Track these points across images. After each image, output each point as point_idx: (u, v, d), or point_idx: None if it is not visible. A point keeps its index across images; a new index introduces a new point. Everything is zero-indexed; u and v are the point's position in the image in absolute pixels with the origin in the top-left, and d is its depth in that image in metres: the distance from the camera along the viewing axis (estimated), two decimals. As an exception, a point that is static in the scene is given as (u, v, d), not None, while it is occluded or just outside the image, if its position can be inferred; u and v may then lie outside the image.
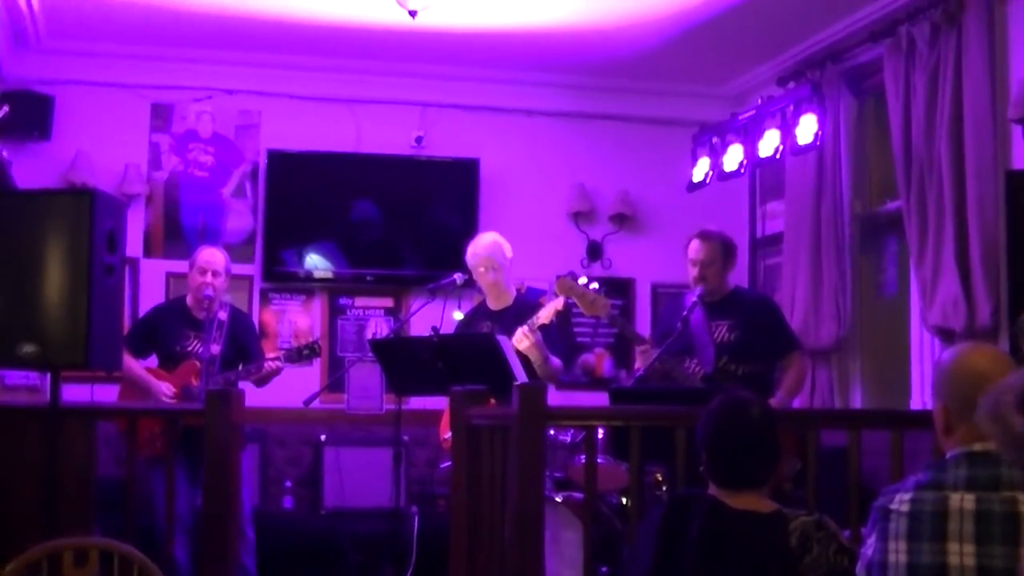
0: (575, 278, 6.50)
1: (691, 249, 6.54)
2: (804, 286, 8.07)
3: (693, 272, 6.50)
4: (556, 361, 6.65)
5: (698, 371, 6.36)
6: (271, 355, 7.50)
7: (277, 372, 7.23)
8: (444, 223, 9.13)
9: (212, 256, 7.19)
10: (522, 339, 6.40)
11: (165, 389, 7.02)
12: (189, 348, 7.15)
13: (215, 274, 7.10)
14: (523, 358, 6.30)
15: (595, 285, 6.49)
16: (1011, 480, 2.94)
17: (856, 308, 8.01)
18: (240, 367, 7.13)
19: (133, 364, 7.02)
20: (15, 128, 8.24)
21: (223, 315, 7.12)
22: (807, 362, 7.51)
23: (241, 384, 7.00)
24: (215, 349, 7.00)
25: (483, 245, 6.91)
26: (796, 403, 7.29)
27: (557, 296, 6.52)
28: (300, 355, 7.33)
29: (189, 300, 7.26)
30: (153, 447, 6.69)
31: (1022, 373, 0.88)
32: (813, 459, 4.87)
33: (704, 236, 6.56)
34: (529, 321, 6.43)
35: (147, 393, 7.03)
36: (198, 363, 7.04)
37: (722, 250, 6.55)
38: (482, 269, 6.85)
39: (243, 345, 7.23)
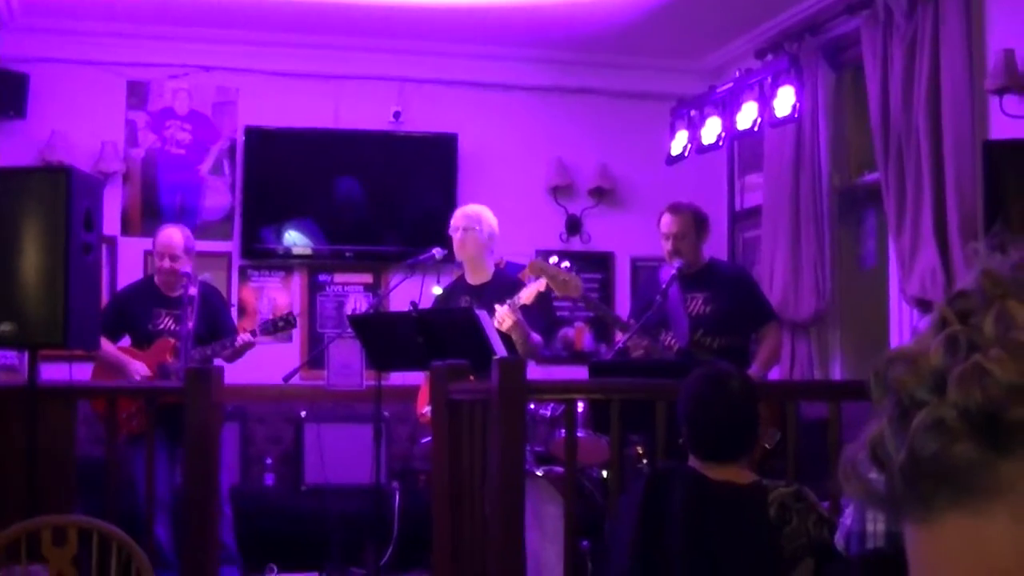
0: (547, 259, 6.51)
1: (663, 223, 6.56)
2: (783, 259, 8.08)
3: (667, 246, 6.52)
4: (536, 337, 6.66)
5: (673, 345, 6.37)
6: (246, 329, 7.49)
7: (251, 345, 7.22)
8: (423, 198, 9.12)
9: (169, 239, 7.16)
10: (504, 319, 6.40)
11: (140, 368, 7.00)
12: (161, 326, 7.13)
13: (173, 258, 7.09)
14: (504, 335, 6.31)
15: (566, 264, 6.47)
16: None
17: (835, 280, 8.02)
18: (214, 342, 7.12)
19: (107, 345, 6.99)
20: (-10, 106, 8.21)
21: (193, 290, 7.09)
22: (783, 333, 7.53)
23: (217, 361, 6.99)
24: (189, 325, 6.98)
25: (462, 211, 6.98)
26: (776, 374, 7.33)
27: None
28: (276, 327, 7.32)
29: (157, 279, 7.24)
30: (130, 426, 6.68)
31: (872, 426, 0.87)
32: (793, 431, 4.89)
33: (675, 209, 6.58)
34: (510, 301, 6.43)
35: (122, 373, 7.01)
36: (172, 340, 7.02)
37: (694, 222, 6.57)
38: (461, 225, 6.83)
39: (215, 320, 7.22)
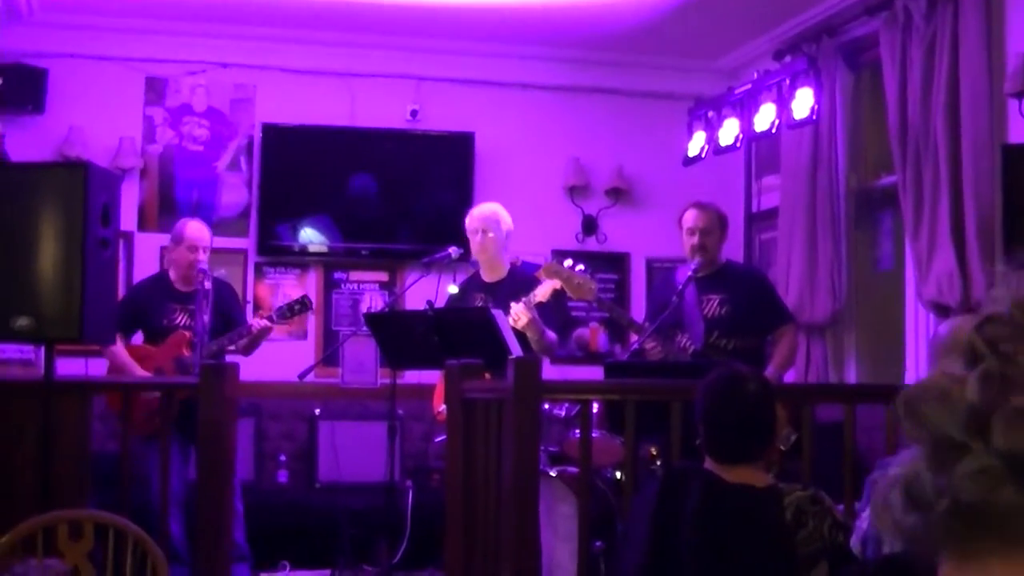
0: (561, 262, 6.51)
1: (688, 218, 6.54)
2: (799, 261, 8.06)
3: (692, 241, 6.49)
4: (551, 335, 6.66)
5: (688, 347, 6.36)
6: (262, 314, 7.49)
7: (267, 331, 7.20)
8: (439, 197, 9.12)
9: (201, 232, 7.17)
10: (519, 316, 6.40)
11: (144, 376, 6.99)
12: (176, 320, 7.13)
13: (205, 250, 7.10)
14: (519, 333, 6.31)
15: (581, 267, 6.47)
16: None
17: (851, 282, 8.00)
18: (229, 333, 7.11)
19: (120, 352, 6.98)
20: (9, 102, 8.23)
21: (207, 284, 7.09)
22: (799, 335, 7.52)
23: (233, 356, 6.98)
24: (206, 319, 6.97)
25: (479, 211, 6.95)
26: (791, 377, 7.31)
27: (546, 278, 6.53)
28: (292, 311, 7.29)
29: (172, 274, 7.24)
30: (147, 426, 6.67)
31: (904, 456, 0.86)
32: (808, 434, 4.88)
33: (701, 205, 6.59)
34: (526, 299, 6.42)
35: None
36: (188, 333, 7.02)
37: (719, 220, 6.58)
38: (476, 230, 6.83)
39: (228, 314, 7.20)
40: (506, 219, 6.91)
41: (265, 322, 7.11)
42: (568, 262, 6.51)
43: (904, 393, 0.89)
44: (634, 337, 6.49)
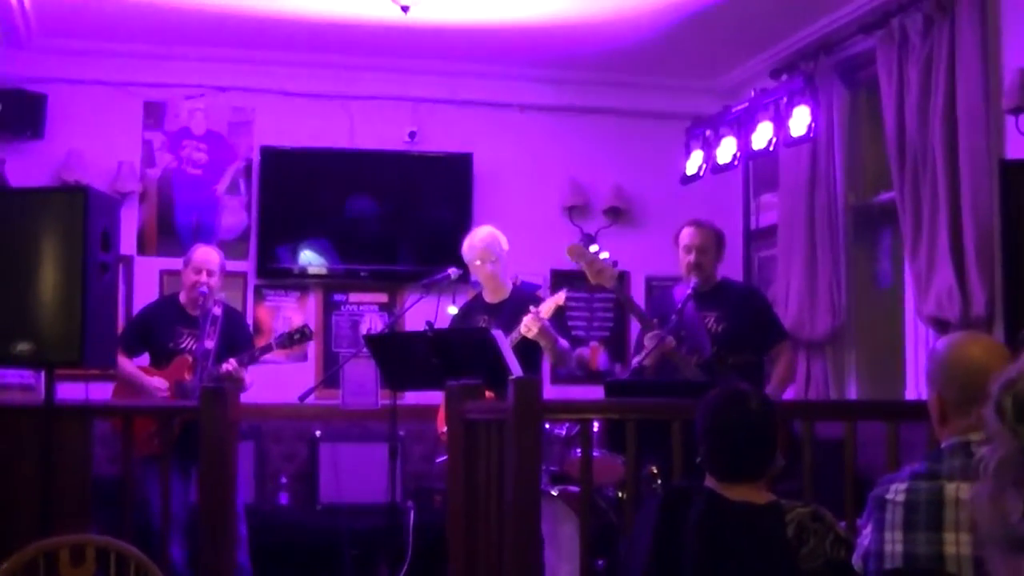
0: (587, 244, 6.56)
1: (685, 236, 6.57)
2: (799, 278, 8.07)
3: (688, 259, 6.53)
4: (564, 342, 6.70)
5: (694, 356, 6.36)
6: (262, 343, 7.50)
7: (270, 349, 7.23)
8: (438, 218, 9.12)
9: (207, 255, 7.18)
10: (530, 327, 6.43)
11: (158, 383, 7.02)
12: (183, 345, 7.14)
13: (210, 273, 7.10)
14: (530, 346, 6.33)
15: (605, 255, 6.52)
16: (1007, 469, 2.94)
17: (851, 299, 8.01)
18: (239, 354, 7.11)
19: (125, 363, 7.01)
20: (8, 127, 8.25)
21: (217, 311, 7.11)
22: (797, 353, 7.53)
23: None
24: (209, 344, 6.98)
25: (480, 238, 6.93)
26: (791, 393, 7.31)
27: (553, 285, 6.56)
28: (291, 340, 7.31)
29: (182, 297, 7.25)
30: (150, 446, 6.68)
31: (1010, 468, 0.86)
32: (809, 450, 4.88)
33: (697, 223, 6.62)
34: (534, 309, 6.46)
35: (141, 391, 7.02)
36: (190, 358, 7.03)
37: (715, 238, 6.60)
38: (479, 262, 6.87)
39: (236, 341, 7.20)
40: (502, 241, 6.94)
41: (231, 366, 7.02)
42: (594, 247, 6.55)
43: (996, 396, 0.89)
44: (634, 350, 6.49)
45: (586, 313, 8.93)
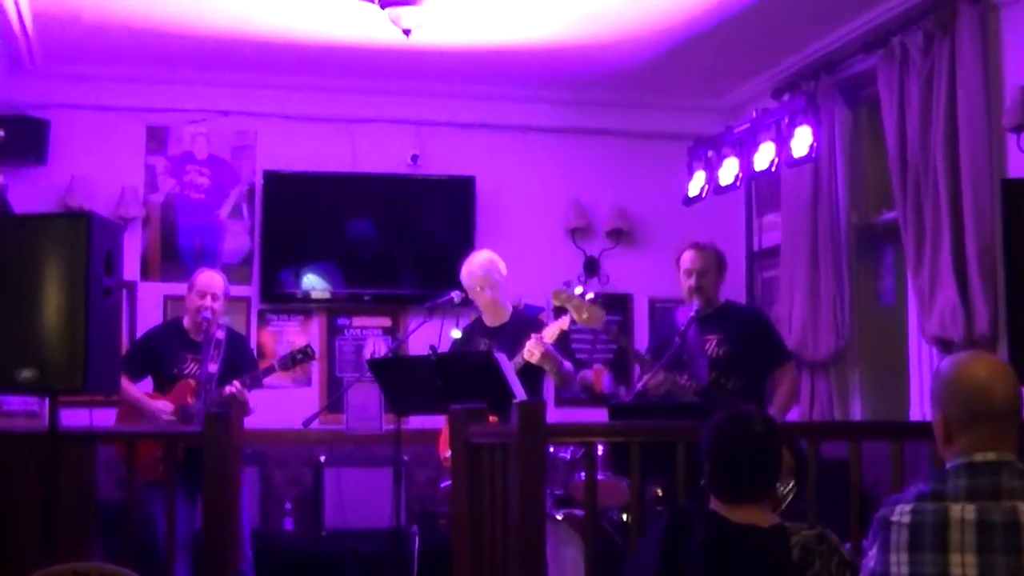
0: (570, 288, 6.53)
1: (685, 259, 6.55)
2: (802, 298, 8.06)
3: (688, 282, 6.51)
4: (568, 365, 6.71)
5: (691, 385, 6.35)
6: (264, 363, 7.50)
7: (272, 370, 7.22)
8: (441, 241, 9.12)
9: (211, 279, 7.18)
10: (533, 351, 6.43)
11: (163, 406, 7.00)
12: (186, 370, 7.13)
13: (214, 298, 7.09)
14: (524, 375, 6.31)
15: (591, 296, 6.51)
16: (1011, 489, 2.94)
17: (854, 319, 7.99)
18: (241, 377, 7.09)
19: (129, 387, 7.00)
20: (11, 153, 8.25)
21: (220, 335, 7.10)
22: (801, 373, 7.51)
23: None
24: (212, 368, 6.97)
25: (478, 263, 6.93)
26: (795, 414, 7.30)
27: (556, 310, 6.55)
28: (294, 360, 7.31)
29: (186, 322, 7.24)
30: (155, 471, 6.66)
31: None
32: (813, 471, 4.86)
33: (698, 246, 6.59)
34: (537, 335, 6.46)
35: (146, 415, 7.01)
36: (193, 382, 7.03)
37: (716, 260, 6.58)
38: (478, 288, 6.88)
39: (239, 364, 7.18)
40: (500, 266, 6.95)
41: (235, 388, 7.01)
42: (578, 289, 6.53)
43: None
44: (638, 377, 6.48)
45: (589, 335, 8.91)
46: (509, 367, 6.07)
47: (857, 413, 7.98)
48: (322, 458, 8.66)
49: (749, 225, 9.24)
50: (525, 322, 6.87)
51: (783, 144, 7.38)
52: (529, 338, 6.49)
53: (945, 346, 6.68)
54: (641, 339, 9.19)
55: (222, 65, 8.61)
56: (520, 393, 5.91)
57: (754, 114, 7.83)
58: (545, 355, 6.48)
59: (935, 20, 6.80)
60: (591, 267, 9.47)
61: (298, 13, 7.55)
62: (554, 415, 5.24)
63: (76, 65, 8.54)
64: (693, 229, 8.01)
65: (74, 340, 4.77)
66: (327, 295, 9.13)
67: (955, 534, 2.93)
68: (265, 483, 8.68)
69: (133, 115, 8.91)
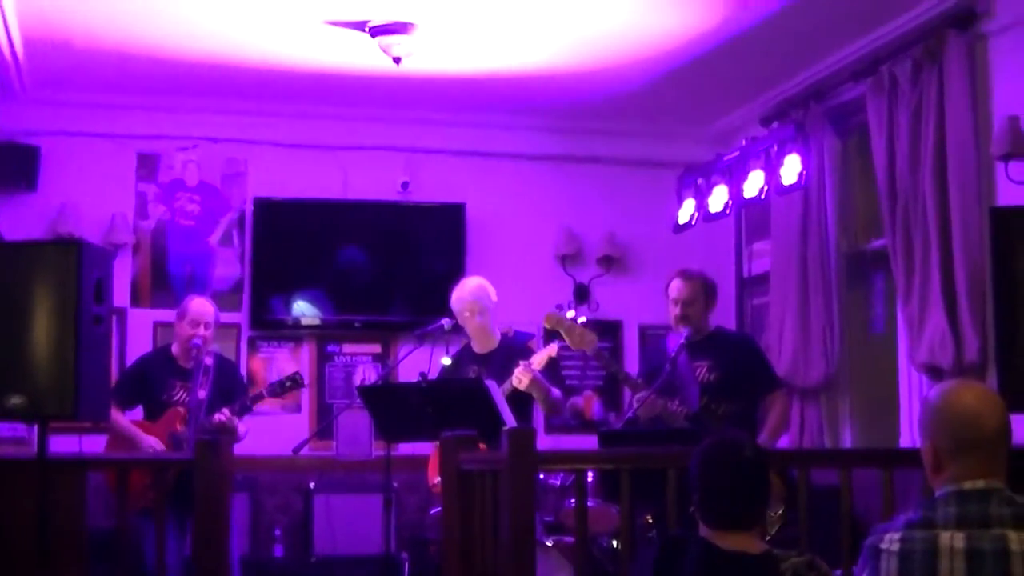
0: (562, 311, 6.55)
1: (672, 288, 6.57)
2: (792, 325, 8.07)
3: (675, 311, 6.53)
4: (557, 392, 6.71)
5: (681, 410, 6.36)
6: (255, 389, 7.49)
7: (261, 398, 7.21)
8: (431, 268, 9.13)
9: (204, 308, 7.18)
10: (521, 378, 6.43)
11: (153, 443, 6.98)
12: (176, 397, 7.12)
13: (206, 326, 7.10)
14: (515, 402, 6.31)
15: (583, 319, 6.54)
16: (1001, 518, 2.94)
17: (844, 346, 8.00)
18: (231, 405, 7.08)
19: (119, 418, 6.98)
20: (1, 179, 8.26)
21: (209, 361, 7.09)
22: (791, 400, 7.52)
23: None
24: (202, 395, 6.95)
25: (468, 290, 6.94)
26: (785, 441, 7.30)
27: (547, 333, 6.57)
28: (283, 388, 7.30)
29: (175, 349, 7.24)
30: (144, 499, 6.65)
31: None
32: (804, 499, 4.87)
33: (685, 275, 6.60)
34: (525, 362, 6.47)
35: (135, 446, 6.99)
36: (182, 409, 7.02)
37: (703, 289, 6.59)
38: (467, 314, 6.88)
39: (229, 391, 7.17)
40: (490, 292, 6.95)
41: (224, 416, 6.99)
42: (570, 313, 6.55)
43: None
44: (628, 404, 6.49)
45: (580, 362, 8.92)
46: (499, 394, 6.08)
47: (847, 440, 7.98)
48: (312, 484, 8.64)
49: (739, 252, 9.25)
50: (514, 349, 6.87)
51: (772, 172, 7.40)
52: (518, 365, 6.50)
53: (935, 373, 6.69)
54: (631, 364, 9.20)
55: (213, 92, 8.63)
56: (510, 420, 5.91)
57: (743, 142, 7.86)
58: (533, 382, 6.48)
59: (924, 49, 6.82)
60: (581, 294, 9.48)
61: (289, 41, 7.57)
62: (544, 442, 5.24)
63: (67, 92, 8.54)
64: (683, 256, 8.04)
65: (64, 367, 4.76)
66: (317, 322, 9.13)
67: (944, 562, 2.93)
68: (255, 509, 8.66)
69: (124, 142, 8.91)
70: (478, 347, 6.99)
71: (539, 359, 6.53)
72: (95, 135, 8.84)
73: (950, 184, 6.59)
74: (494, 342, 6.97)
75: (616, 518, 5.96)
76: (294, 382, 7.33)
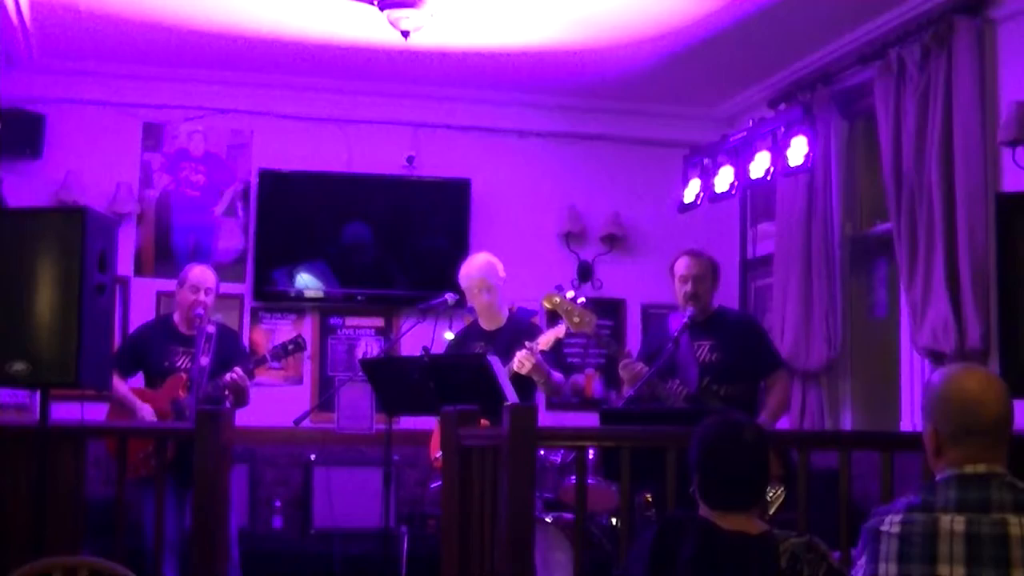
0: (562, 292, 6.54)
1: (680, 266, 6.53)
2: (795, 308, 8.07)
3: (685, 288, 6.48)
4: (558, 375, 6.70)
5: (681, 391, 6.36)
6: (256, 358, 7.47)
7: (264, 362, 7.20)
8: (435, 243, 9.13)
9: (203, 274, 7.16)
10: (523, 363, 6.41)
11: (147, 412, 6.96)
12: (177, 363, 7.11)
13: (207, 292, 7.08)
14: (518, 380, 6.31)
15: (582, 300, 6.52)
16: (1001, 502, 2.95)
17: (846, 330, 8.01)
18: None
19: (119, 385, 6.98)
20: (6, 147, 8.24)
21: (211, 329, 7.07)
22: (792, 381, 7.51)
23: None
24: (204, 362, 6.93)
25: (477, 266, 6.91)
26: (785, 423, 7.29)
27: (548, 313, 6.56)
28: (286, 351, 7.26)
29: (176, 317, 7.23)
30: (146, 466, 6.65)
31: None
32: (804, 481, 4.87)
33: (693, 253, 6.59)
34: (529, 345, 6.44)
35: (133, 415, 6.99)
36: (184, 376, 7.01)
37: (711, 267, 6.57)
38: (476, 290, 6.85)
39: (230, 358, 7.14)
40: (499, 269, 6.92)
41: (236, 375, 6.98)
42: (570, 294, 6.54)
43: None
44: (624, 378, 6.47)
45: (582, 340, 8.92)
46: (502, 370, 6.07)
47: (848, 423, 7.99)
48: (312, 457, 8.65)
49: (743, 234, 9.26)
50: (521, 328, 6.85)
51: (779, 154, 7.39)
52: (522, 347, 6.47)
53: (937, 358, 6.69)
54: (634, 343, 9.18)
55: (220, 63, 8.62)
56: (512, 396, 5.91)
57: (750, 123, 7.85)
58: (535, 367, 6.46)
59: (932, 34, 6.81)
60: (584, 272, 9.48)
61: (297, 12, 7.55)
62: (545, 419, 5.24)
63: (73, 60, 8.53)
64: (687, 236, 8.04)
65: (67, 335, 4.76)
66: (320, 294, 9.13)
67: (944, 546, 2.93)
68: (254, 481, 8.68)
69: (129, 111, 8.91)
70: (485, 324, 6.96)
71: (547, 339, 6.51)
72: (101, 104, 8.83)
73: (956, 169, 6.59)
74: (501, 320, 6.93)
75: (616, 497, 5.97)
76: (296, 345, 7.30)
